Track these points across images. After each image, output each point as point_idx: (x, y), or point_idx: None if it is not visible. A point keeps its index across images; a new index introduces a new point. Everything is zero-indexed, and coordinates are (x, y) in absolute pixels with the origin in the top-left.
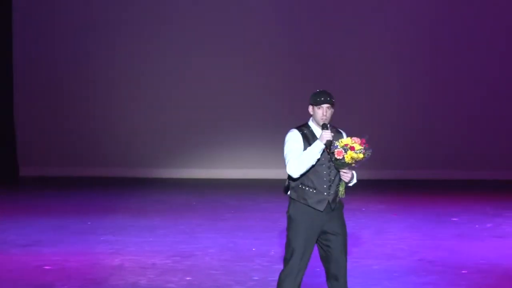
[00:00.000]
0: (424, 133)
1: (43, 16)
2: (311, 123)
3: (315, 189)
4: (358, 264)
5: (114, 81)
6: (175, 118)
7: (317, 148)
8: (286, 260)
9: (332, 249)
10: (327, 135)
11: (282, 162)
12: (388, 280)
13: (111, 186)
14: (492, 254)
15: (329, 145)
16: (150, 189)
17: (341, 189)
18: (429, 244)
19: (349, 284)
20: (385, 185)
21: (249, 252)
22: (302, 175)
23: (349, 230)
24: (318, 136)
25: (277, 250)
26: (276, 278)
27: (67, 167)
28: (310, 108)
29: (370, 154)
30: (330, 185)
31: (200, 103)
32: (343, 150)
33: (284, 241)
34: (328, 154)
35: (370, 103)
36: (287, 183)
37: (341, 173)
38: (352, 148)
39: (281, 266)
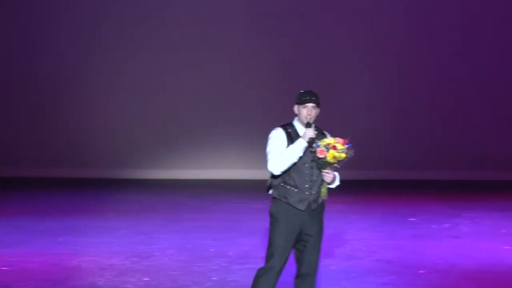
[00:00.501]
0: (381, 133)
1: (20, 11)
2: (295, 123)
3: (296, 188)
4: None
5: (89, 80)
6: (141, 119)
7: (299, 145)
8: (267, 258)
9: (306, 249)
10: (310, 133)
11: (241, 163)
12: (347, 281)
13: (71, 187)
14: (450, 254)
15: (311, 143)
16: (110, 190)
17: (323, 190)
18: (388, 245)
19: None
20: (345, 186)
21: (207, 253)
22: (283, 173)
23: None
24: (302, 135)
25: (235, 250)
26: (235, 278)
27: (27, 167)
28: (296, 108)
29: (352, 154)
30: (312, 185)
31: (168, 105)
32: (325, 149)
33: (241, 241)
34: (310, 152)
35: (343, 104)
36: (269, 181)
37: (323, 173)
38: (334, 147)
39: (239, 266)
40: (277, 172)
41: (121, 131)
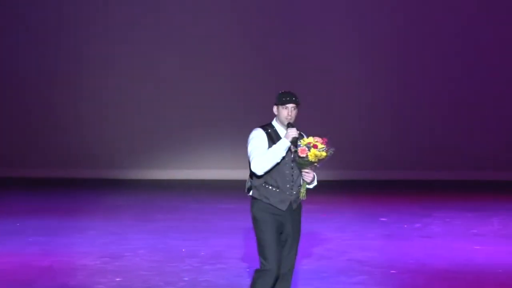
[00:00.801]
0: (354, 134)
1: (6, 11)
2: (275, 123)
3: (278, 188)
4: None
5: (61, 79)
6: (113, 119)
7: (282, 145)
8: (262, 260)
9: (284, 249)
10: (293, 132)
11: (212, 163)
12: (318, 281)
13: (43, 187)
14: (421, 254)
15: (295, 143)
16: (83, 190)
17: (303, 190)
18: (358, 244)
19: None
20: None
21: (179, 253)
22: (266, 173)
23: None
24: (281, 136)
25: (207, 251)
26: (207, 278)
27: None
28: (275, 108)
29: (332, 152)
30: (293, 185)
31: (141, 104)
32: (306, 148)
33: (213, 242)
34: (293, 152)
35: (318, 102)
36: (249, 183)
37: (303, 173)
38: (315, 146)
39: (210, 266)
40: (260, 172)
41: (92, 131)
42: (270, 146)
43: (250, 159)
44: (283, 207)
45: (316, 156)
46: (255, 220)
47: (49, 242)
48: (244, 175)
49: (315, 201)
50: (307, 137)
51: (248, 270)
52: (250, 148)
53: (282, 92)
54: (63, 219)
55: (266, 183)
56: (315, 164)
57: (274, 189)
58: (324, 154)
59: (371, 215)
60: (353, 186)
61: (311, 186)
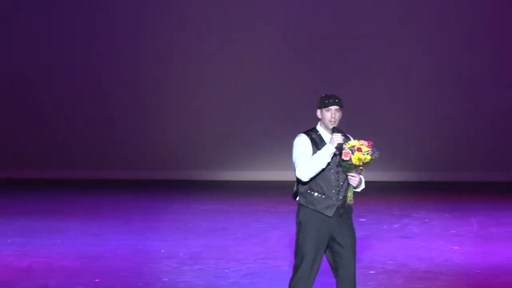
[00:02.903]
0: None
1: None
2: (319, 128)
3: (323, 194)
4: (266, 265)
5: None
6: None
7: (327, 151)
8: (296, 267)
9: (341, 258)
10: (338, 138)
11: (188, 163)
12: None
13: (23, 188)
14: (399, 255)
15: (340, 149)
16: (64, 190)
17: (349, 194)
18: None
19: (257, 285)
20: (291, 187)
21: (158, 254)
22: (311, 180)
23: (257, 231)
24: (326, 140)
25: (186, 251)
26: (185, 279)
27: None
28: (318, 112)
29: (377, 156)
30: (339, 190)
31: (118, 102)
32: (350, 152)
33: (192, 242)
34: (339, 157)
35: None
36: (295, 188)
37: (349, 177)
38: (359, 150)
39: (189, 267)
40: (305, 179)
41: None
42: (314, 151)
43: (295, 165)
44: (330, 213)
45: (360, 159)
46: (299, 226)
47: (28, 243)
48: (223, 174)
49: (293, 202)
50: (354, 140)
51: (226, 271)
52: (294, 154)
53: (324, 95)
54: (43, 220)
55: (311, 189)
56: (360, 167)
57: (319, 195)
58: (368, 157)
59: None
60: None
61: (358, 190)
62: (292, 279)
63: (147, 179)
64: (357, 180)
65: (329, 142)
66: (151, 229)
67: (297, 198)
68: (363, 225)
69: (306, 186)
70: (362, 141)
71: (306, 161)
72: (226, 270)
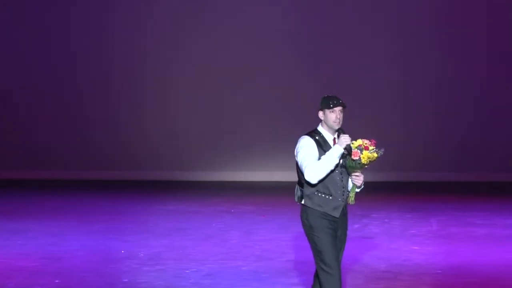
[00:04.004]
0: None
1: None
2: (321, 129)
3: (331, 195)
4: (226, 266)
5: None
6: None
7: (336, 152)
8: (321, 269)
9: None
10: (347, 139)
11: (150, 163)
12: (258, 281)
13: None
14: (360, 254)
15: (349, 149)
16: (26, 191)
17: (351, 194)
18: (298, 245)
19: (217, 285)
20: (255, 187)
21: (118, 254)
22: (319, 182)
23: (217, 231)
24: (329, 141)
25: (146, 252)
26: (145, 280)
27: None
28: (321, 113)
29: (382, 153)
30: (344, 191)
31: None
32: (358, 151)
33: (152, 243)
34: (347, 157)
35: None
36: (299, 191)
37: (353, 177)
38: (366, 148)
39: (149, 268)
40: (315, 181)
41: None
42: (320, 152)
43: (303, 168)
44: (337, 214)
45: (368, 158)
46: (311, 228)
47: None
48: (184, 175)
49: (255, 202)
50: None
51: (187, 271)
52: (301, 157)
53: (327, 96)
54: (3, 221)
55: (318, 191)
56: (365, 166)
57: (327, 196)
58: (375, 155)
59: None
60: (293, 188)
61: (358, 190)
62: (325, 284)
63: (111, 179)
64: (361, 180)
65: (337, 143)
66: (112, 229)
67: (303, 201)
68: None
69: (313, 188)
70: (365, 140)
71: (315, 163)
72: (187, 271)
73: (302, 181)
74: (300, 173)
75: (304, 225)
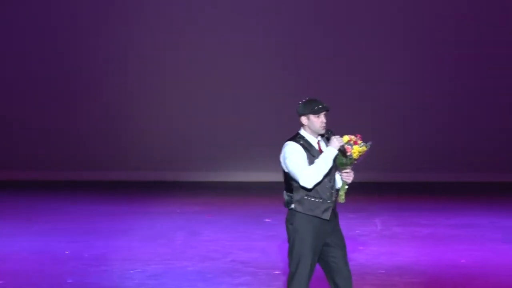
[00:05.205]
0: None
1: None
2: (303, 133)
3: (320, 198)
4: (172, 266)
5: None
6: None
7: (331, 154)
8: (292, 274)
9: (336, 262)
10: (339, 140)
11: (95, 163)
12: (203, 282)
13: None
14: None
15: (343, 150)
16: None
17: (341, 193)
18: (242, 245)
19: (163, 286)
20: (201, 187)
21: (63, 255)
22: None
23: (163, 231)
24: (314, 144)
25: (91, 252)
26: (90, 280)
27: None
28: (304, 119)
29: (370, 146)
30: (332, 192)
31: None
32: (349, 146)
33: (97, 243)
34: (339, 155)
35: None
36: (287, 197)
37: (343, 174)
38: (355, 143)
39: (94, 268)
40: (311, 186)
41: None
42: (308, 157)
43: (297, 175)
44: (327, 216)
45: (359, 152)
46: (295, 232)
47: None
48: (129, 175)
49: (200, 202)
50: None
51: (132, 272)
52: (292, 164)
53: (309, 101)
54: None
55: (308, 195)
56: (355, 161)
57: (317, 200)
58: (365, 148)
59: (255, 216)
60: (240, 188)
61: (347, 187)
62: (290, 280)
63: (59, 180)
64: (352, 176)
65: (330, 145)
66: (56, 230)
67: (293, 206)
68: (269, 226)
69: (302, 193)
70: (350, 136)
71: (310, 168)
72: (132, 271)
73: (291, 187)
74: (289, 179)
75: (288, 228)
